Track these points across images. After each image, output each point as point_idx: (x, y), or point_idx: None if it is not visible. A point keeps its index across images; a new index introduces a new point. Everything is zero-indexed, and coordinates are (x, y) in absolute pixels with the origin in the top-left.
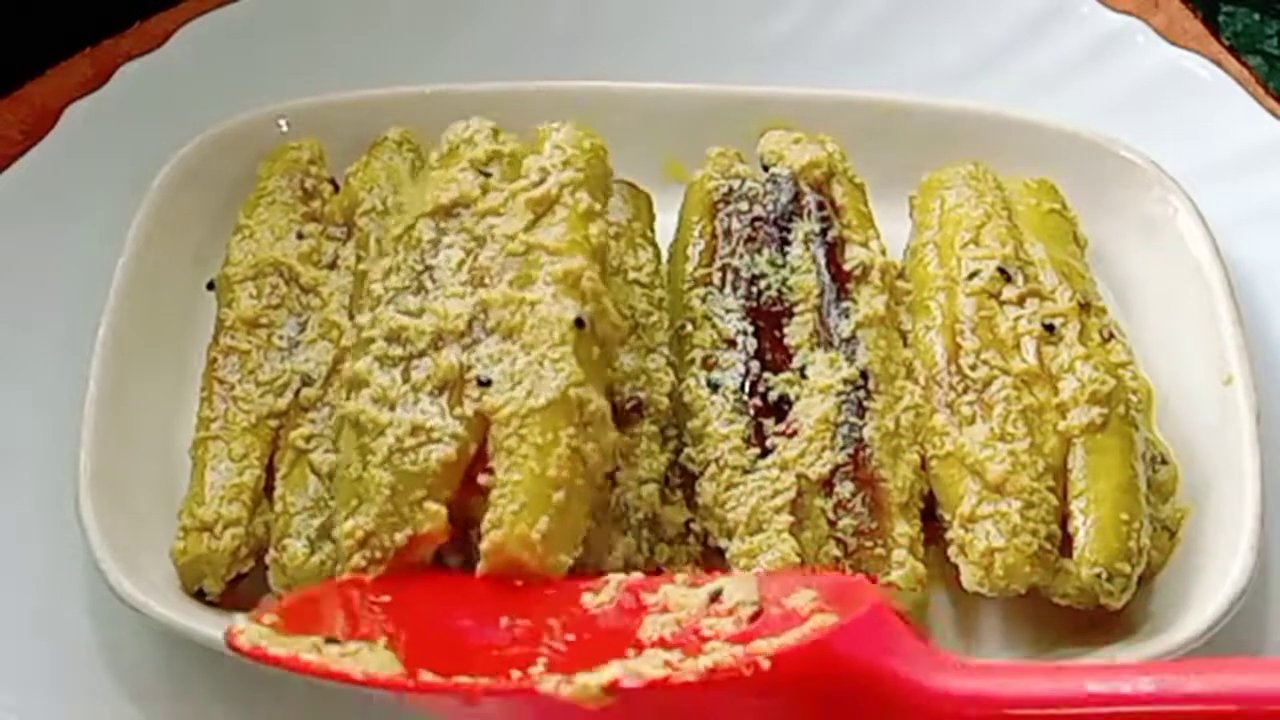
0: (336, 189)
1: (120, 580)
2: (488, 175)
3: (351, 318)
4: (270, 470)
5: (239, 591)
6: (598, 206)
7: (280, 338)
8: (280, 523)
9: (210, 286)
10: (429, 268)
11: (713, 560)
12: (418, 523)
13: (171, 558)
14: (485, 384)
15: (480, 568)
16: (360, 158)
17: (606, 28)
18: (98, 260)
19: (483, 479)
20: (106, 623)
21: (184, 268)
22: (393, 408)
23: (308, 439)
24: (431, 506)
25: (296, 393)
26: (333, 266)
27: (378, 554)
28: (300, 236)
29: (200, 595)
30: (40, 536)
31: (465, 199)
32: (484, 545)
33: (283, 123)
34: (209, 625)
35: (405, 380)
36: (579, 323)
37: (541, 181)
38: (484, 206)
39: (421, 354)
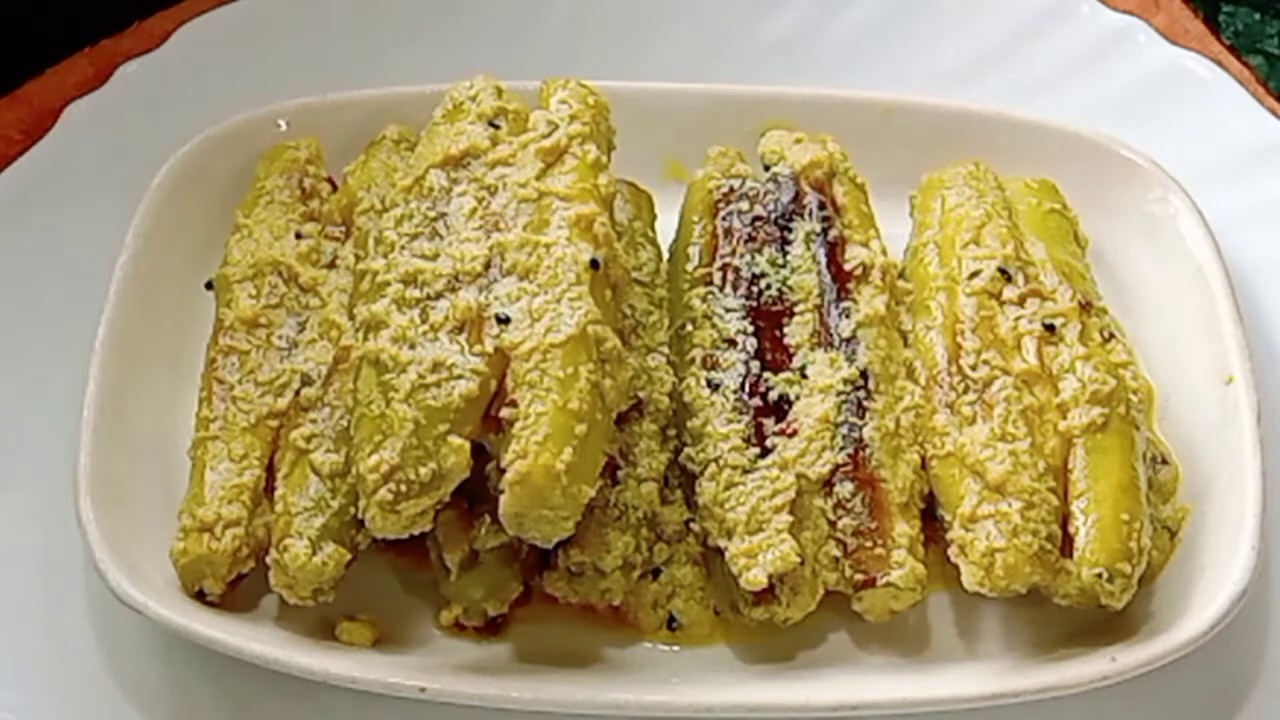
0: (335, 188)
1: (120, 581)
2: (496, 127)
3: (351, 316)
4: (270, 470)
5: (239, 592)
6: (605, 159)
7: (279, 337)
8: (281, 523)
9: (209, 286)
10: (441, 215)
11: (712, 560)
12: (442, 456)
13: (171, 558)
14: (504, 321)
15: (504, 500)
16: (358, 157)
17: (606, 28)
18: (97, 260)
19: (505, 412)
20: (106, 623)
21: (183, 267)
22: (413, 346)
23: (308, 439)
24: (455, 441)
25: (296, 393)
26: (331, 266)
27: (403, 488)
28: (299, 236)
29: (200, 596)
30: (40, 537)
31: (475, 150)
32: (509, 476)
33: (281, 122)
34: (209, 626)
35: (424, 320)
36: (594, 264)
37: (550, 133)
38: (494, 157)
39: (439, 295)
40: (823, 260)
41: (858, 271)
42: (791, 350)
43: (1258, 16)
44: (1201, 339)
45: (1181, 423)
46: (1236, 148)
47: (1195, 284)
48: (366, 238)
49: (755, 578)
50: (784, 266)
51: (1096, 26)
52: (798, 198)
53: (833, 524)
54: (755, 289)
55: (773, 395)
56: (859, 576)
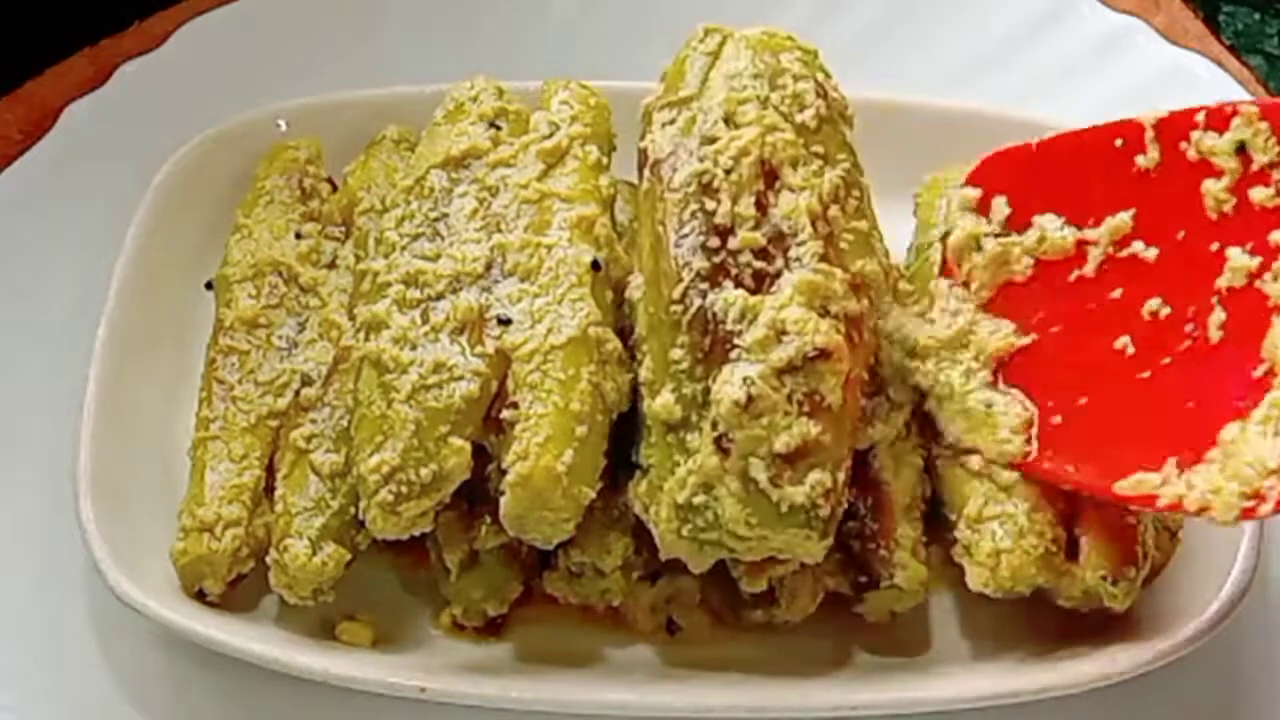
0: (335, 188)
1: (119, 580)
2: (498, 128)
3: (351, 316)
4: (270, 470)
5: (239, 592)
6: (605, 160)
7: (279, 338)
8: (281, 523)
9: (209, 286)
10: (442, 215)
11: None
12: (442, 458)
13: (171, 558)
14: (505, 323)
15: (504, 501)
16: (358, 157)
17: (606, 27)
18: (97, 260)
19: (506, 414)
20: (106, 623)
21: (183, 267)
22: (414, 347)
23: (308, 439)
24: (456, 442)
25: (296, 393)
26: (332, 266)
27: (403, 489)
28: (299, 236)
29: (200, 596)
30: (40, 537)
31: (476, 150)
32: (510, 478)
33: (282, 122)
34: (209, 626)
35: (425, 321)
36: (595, 265)
37: (551, 134)
38: (495, 158)
39: (440, 296)
40: None
41: None
42: None
43: (1258, 16)
44: None
45: None
46: None
47: None
48: (367, 238)
49: (754, 580)
50: None
51: (1096, 26)
52: None
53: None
54: None
55: None
56: (861, 579)
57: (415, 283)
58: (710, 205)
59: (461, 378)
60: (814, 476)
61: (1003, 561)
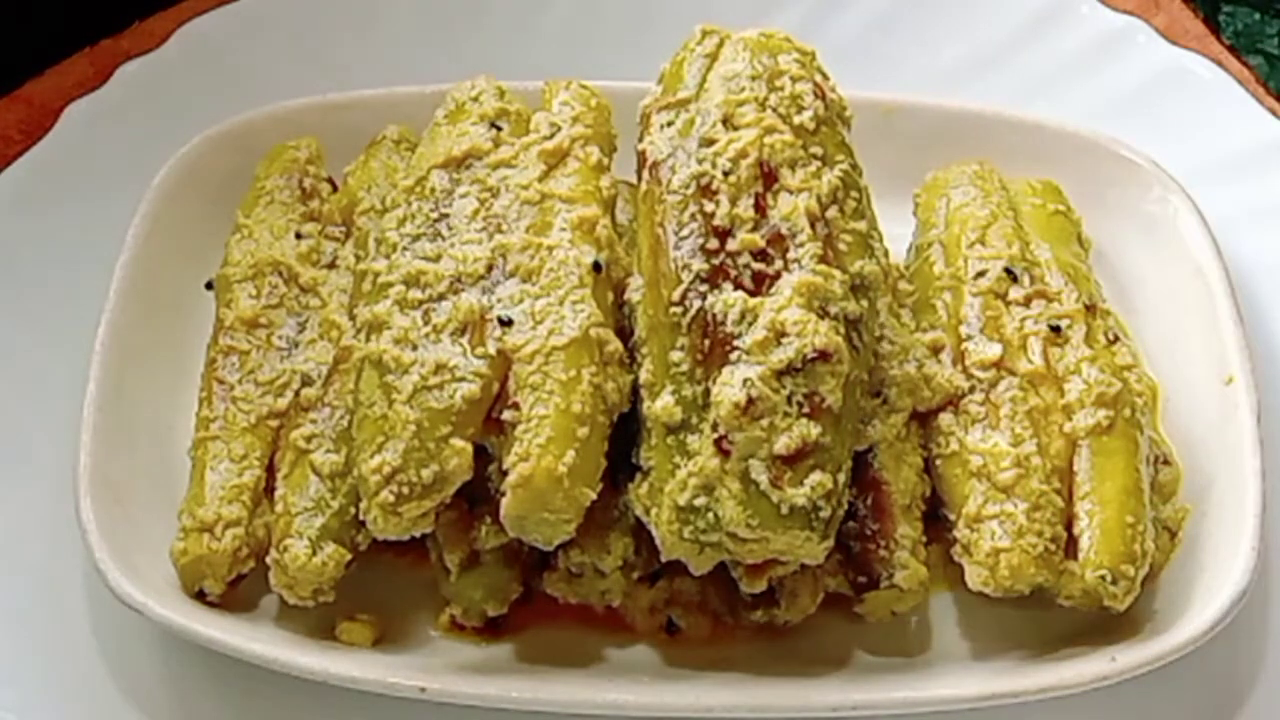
0: (335, 188)
1: (119, 581)
2: (499, 129)
3: (351, 316)
4: (270, 470)
5: (239, 592)
6: (606, 161)
7: (280, 338)
8: (281, 523)
9: (209, 286)
10: (443, 216)
11: None
12: (444, 459)
13: (171, 558)
14: (506, 324)
15: (505, 502)
16: (358, 157)
17: (606, 27)
18: (97, 260)
19: (507, 414)
20: (106, 623)
21: (183, 267)
22: (415, 348)
23: (308, 439)
24: (457, 443)
25: (296, 393)
26: (332, 266)
27: (405, 490)
28: (299, 236)
29: (200, 596)
30: (40, 537)
31: (477, 151)
32: (510, 478)
33: (281, 123)
34: (209, 626)
35: (426, 322)
36: (596, 266)
37: (552, 135)
38: (496, 158)
39: (441, 297)
40: None
41: None
42: None
43: (1258, 16)
44: (1201, 339)
45: (1181, 423)
46: (1236, 148)
47: (1195, 284)
48: (367, 238)
49: (754, 581)
50: None
51: (1096, 26)
52: None
53: None
54: None
55: None
56: (861, 579)
57: (416, 283)
58: (709, 207)
59: (463, 379)
60: (814, 478)
61: (1002, 560)
